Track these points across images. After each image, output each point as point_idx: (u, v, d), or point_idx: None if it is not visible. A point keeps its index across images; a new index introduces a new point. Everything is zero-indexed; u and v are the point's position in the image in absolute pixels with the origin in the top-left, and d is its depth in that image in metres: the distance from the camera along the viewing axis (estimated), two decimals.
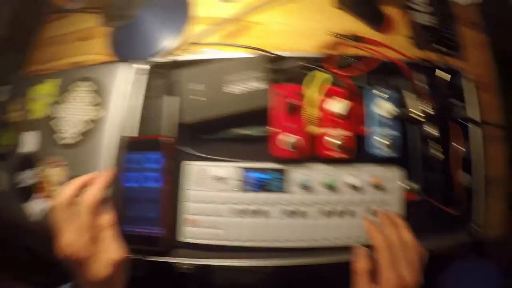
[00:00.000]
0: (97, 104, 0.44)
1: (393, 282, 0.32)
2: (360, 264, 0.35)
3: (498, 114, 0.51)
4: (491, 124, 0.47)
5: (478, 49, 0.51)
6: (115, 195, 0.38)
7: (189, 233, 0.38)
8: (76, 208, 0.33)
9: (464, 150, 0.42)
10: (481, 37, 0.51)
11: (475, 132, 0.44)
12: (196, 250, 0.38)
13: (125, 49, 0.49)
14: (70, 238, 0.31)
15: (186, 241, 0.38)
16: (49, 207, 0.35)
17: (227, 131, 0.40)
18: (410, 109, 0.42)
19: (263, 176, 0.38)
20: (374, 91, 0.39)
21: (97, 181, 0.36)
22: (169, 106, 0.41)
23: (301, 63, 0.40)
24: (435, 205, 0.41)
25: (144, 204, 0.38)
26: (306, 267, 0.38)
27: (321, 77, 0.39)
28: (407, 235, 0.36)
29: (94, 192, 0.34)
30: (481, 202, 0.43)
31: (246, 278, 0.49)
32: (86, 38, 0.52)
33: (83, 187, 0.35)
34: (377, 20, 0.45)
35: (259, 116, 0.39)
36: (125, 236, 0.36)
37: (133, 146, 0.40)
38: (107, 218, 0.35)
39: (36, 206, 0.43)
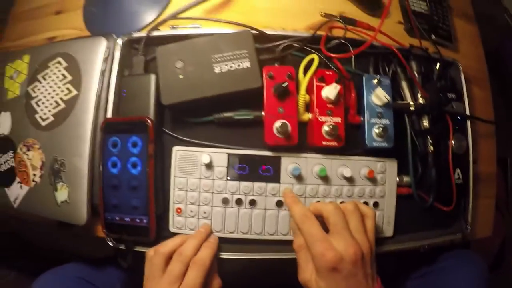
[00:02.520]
0: (68, 83, 0.38)
1: (323, 256, 0.26)
2: (296, 239, 0.30)
3: (489, 109, 0.48)
4: (483, 120, 0.44)
5: (469, 41, 0.47)
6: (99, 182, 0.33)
7: (176, 223, 0.34)
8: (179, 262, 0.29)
9: (456, 144, 0.40)
10: (473, 29, 0.48)
11: (467, 127, 0.41)
12: None
13: (99, 22, 0.43)
14: None
15: (173, 231, 0.34)
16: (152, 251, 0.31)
17: (213, 114, 0.34)
18: (404, 99, 0.38)
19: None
20: (368, 78, 0.35)
21: (211, 245, 0.32)
22: (146, 85, 0.35)
23: (292, 43, 0.35)
24: (427, 200, 0.38)
25: (127, 191, 0.33)
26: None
27: (312, 59, 0.34)
28: (343, 204, 0.30)
29: (209, 255, 0.30)
30: (471, 200, 0.39)
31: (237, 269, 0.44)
32: (61, 12, 0.46)
33: (198, 245, 0.31)
34: (371, 3, 0.41)
35: (247, 98, 0.33)
36: (111, 225, 0.33)
37: (111, 129, 0.34)
38: (216, 283, 0.31)
39: (16, 191, 0.37)
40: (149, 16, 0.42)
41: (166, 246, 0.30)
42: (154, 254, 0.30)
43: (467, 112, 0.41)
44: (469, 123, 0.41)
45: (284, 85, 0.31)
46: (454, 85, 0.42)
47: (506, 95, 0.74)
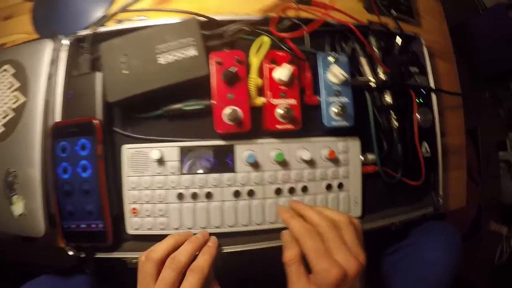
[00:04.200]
0: (16, 90, 0.35)
1: (328, 272, 0.24)
2: (287, 252, 0.26)
3: (455, 82, 0.45)
4: (448, 92, 0.41)
5: (432, 16, 0.44)
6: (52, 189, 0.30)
7: (133, 224, 0.31)
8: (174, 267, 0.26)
9: (422, 118, 0.37)
10: (436, 4, 0.44)
11: (432, 100, 0.38)
12: (144, 242, 0.31)
13: (48, 24, 0.38)
14: None
15: (131, 233, 0.31)
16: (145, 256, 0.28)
17: (162, 107, 0.31)
18: (364, 75, 0.35)
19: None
20: (323, 56, 0.31)
21: (209, 250, 0.28)
22: (92, 84, 0.31)
23: (241, 27, 0.31)
24: (394, 176, 0.35)
25: (80, 196, 0.30)
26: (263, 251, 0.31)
27: (263, 41, 0.31)
28: (334, 215, 0.28)
29: (207, 262, 0.27)
30: (441, 173, 0.37)
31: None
32: (10, 17, 0.42)
33: (196, 250, 0.28)
34: None
35: (196, 88, 0.30)
36: (69, 233, 0.30)
37: (59, 133, 0.31)
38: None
39: None
40: (97, 12, 0.38)
41: (158, 251, 0.27)
42: (145, 260, 0.27)
43: (432, 85, 0.38)
44: (434, 96, 0.38)
45: (232, 70, 0.28)
46: (417, 59, 0.39)
47: (472, 68, 0.72)
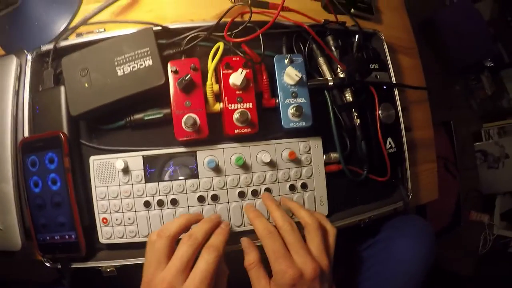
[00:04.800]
0: None
1: (284, 273, 0.24)
2: (247, 257, 0.27)
3: (420, 76, 0.46)
4: (409, 86, 0.42)
5: (395, 11, 0.44)
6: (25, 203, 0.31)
7: (105, 233, 0.31)
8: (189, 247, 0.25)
9: (384, 114, 0.37)
10: None
11: (395, 96, 0.38)
12: (117, 251, 0.31)
13: (12, 40, 0.39)
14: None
15: (104, 242, 0.31)
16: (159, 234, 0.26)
17: (125, 118, 0.31)
18: (323, 75, 0.35)
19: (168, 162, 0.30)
20: (279, 58, 0.32)
21: (223, 231, 0.27)
22: (57, 98, 0.32)
23: (198, 34, 0.32)
24: (360, 173, 0.36)
25: (52, 208, 0.30)
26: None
27: (218, 47, 0.31)
28: (305, 218, 0.28)
29: (222, 242, 0.26)
30: (408, 167, 0.37)
31: None
32: None
33: (209, 231, 0.27)
34: None
35: (156, 97, 0.30)
36: (44, 245, 0.30)
37: (28, 148, 0.31)
38: (225, 272, 0.27)
39: None
40: (60, 26, 0.38)
41: (170, 228, 0.26)
42: (157, 238, 0.25)
43: (393, 80, 0.39)
44: (396, 91, 0.38)
45: (186, 77, 0.28)
46: (377, 55, 0.39)
47: (443, 62, 0.72)
